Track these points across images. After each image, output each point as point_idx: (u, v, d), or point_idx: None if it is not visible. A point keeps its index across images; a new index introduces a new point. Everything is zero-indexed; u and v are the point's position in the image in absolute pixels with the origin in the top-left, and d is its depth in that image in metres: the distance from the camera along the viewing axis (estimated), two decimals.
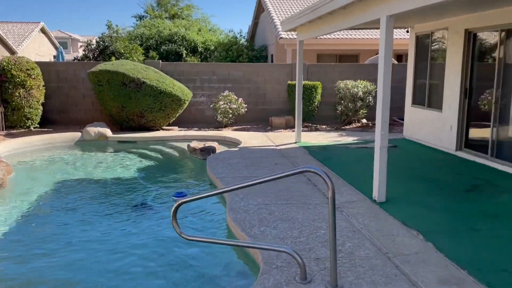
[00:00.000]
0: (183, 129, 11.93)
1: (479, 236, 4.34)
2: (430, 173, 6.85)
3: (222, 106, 11.81)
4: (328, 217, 4.81)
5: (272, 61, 19.42)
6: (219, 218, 5.43)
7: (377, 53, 17.45)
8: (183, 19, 32.53)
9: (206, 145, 9.01)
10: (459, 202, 5.37)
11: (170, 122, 11.88)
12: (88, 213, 5.67)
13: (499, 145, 7.06)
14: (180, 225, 3.74)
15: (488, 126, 7.28)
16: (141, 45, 20.95)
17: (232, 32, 28.09)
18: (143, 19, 32.51)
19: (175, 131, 11.43)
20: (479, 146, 7.56)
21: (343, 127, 12.16)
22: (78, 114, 12.53)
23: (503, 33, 6.88)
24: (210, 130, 11.79)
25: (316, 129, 11.91)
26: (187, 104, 11.70)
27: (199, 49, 22.30)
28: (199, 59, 22.34)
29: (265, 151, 8.71)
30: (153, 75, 11.28)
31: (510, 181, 6.27)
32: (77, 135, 10.73)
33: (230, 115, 11.99)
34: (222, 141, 10.57)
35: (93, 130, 10.60)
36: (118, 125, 11.64)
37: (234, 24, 77.88)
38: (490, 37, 7.32)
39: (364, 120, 12.77)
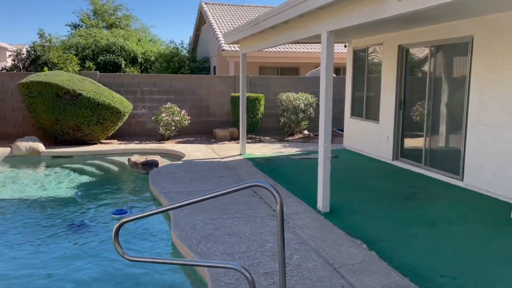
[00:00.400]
0: (123, 142, 11.50)
1: (418, 242, 4.53)
2: (370, 182, 7.10)
3: (165, 118, 11.55)
4: (275, 229, 4.81)
5: (214, 73, 19.39)
6: (164, 236, 5.23)
7: (316, 66, 18.03)
8: (121, 29, 31.62)
9: (148, 158, 8.73)
10: (398, 210, 5.60)
11: (109, 135, 11.40)
12: (17, 235, 5.22)
13: (431, 154, 7.49)
14: (122, 244, 3.53)
15: (422, 136, 7.72)
16: (76, 55, 20.04)
17: (174, 43, 27.75)
18: (79, 28, 31.18)
19: (115, 145, 10.98)
20: (414, 155, 7.98)
21: (286, 139, 12.35)
22: (7, 128, 11.66)
23: (433, 49, 7.36)
24: (152, 143, 11.46)
25: (260, 141, 11.99)
26: (127, 116, 11.30)
27: (139, 60, 21.76)
28: (139, 70, 21.79)
29: (210, 164, 8.60)
30: (90, 86, 10.80)
31: (443, 188, 6.66)
32: (6, 150, 9.95)
33: (173, 128, 11.75)
34: (165, 154, 10.31)
35: (24, 144, 9.89)
36: (52, 139, 10.97)
37: (175, 35, 76.98)
38: (421, 53, 7.80)
39: (306, 132, 13.06)
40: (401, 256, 4.17)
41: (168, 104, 11.87)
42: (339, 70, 19.25)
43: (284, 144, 11.45)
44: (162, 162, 9.01)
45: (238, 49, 16.20)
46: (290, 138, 12.48)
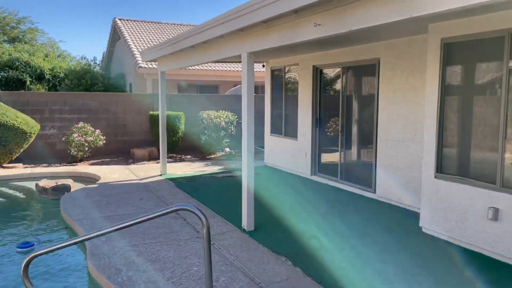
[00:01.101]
0: (30, 165, 10.57)
1: (339, 255, 4.72)
2: (291, 198, 7.29)
3: (77, 138, 10.86)
4: (200, 252, 4.70)
5: (131, 90, 18.76)
6: (80, 267, 4.85)
7: (236, 84, 18.30)
8: (25, 43, 29.40)
9: (59, 183, 8.10)
10: (319, 224, 5.80)
11: (13, 158, 10.42)
12: None
13: (346, 169, 7.92)
14: (32, 280, 3.20)
15: (337, 152, 8.14)
16: None
17: (85, 59, 26.37)
18: None
19: (20, 169, 10.05)
20: (331, 170, 8.37)
21: (208, 157, 12.27)
22: None
23: (344, 70, 7.85)
24: (63, 165, 10.69)
25: (181, 160, 11.77)
26: (33, 137, 10.44)
27: (47, 77, 20.34)
28: (46, 88, 20.35)
29: (128, 186, 8.22)
30: None
31: (358, 201, 7.05)
32: None
33: (86, 148, 11.08)
34: (78, 177, 9.67)
35: None
36: None
37: (87, 51, 73.01)
38: (334, 73, 8.28)
39: (227, 149, 13.11)
40: (324, 271, 4.31)
41: (81, 124, 11.19)
42: (257, 88, 19.73)
43: (206, 162, 11.36)
44: (75, 186, 8.42)
45: (156, 66, 15.88)
46: (212, 156, 12.43)
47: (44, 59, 21.94)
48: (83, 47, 67.49)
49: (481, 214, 4.68)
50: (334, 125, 8.24)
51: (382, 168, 6.98)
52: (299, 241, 5.14)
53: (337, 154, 8.12)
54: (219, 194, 7.57)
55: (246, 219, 5.47)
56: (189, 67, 17.03)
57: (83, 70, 20.32)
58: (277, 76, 10.05)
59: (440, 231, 5.19)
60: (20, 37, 33.21)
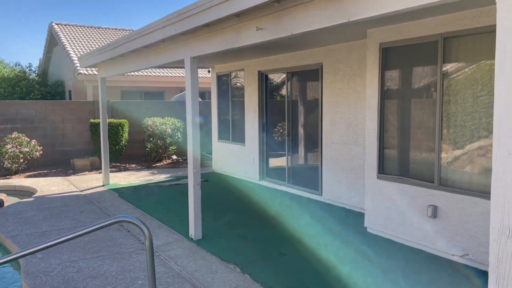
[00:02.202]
0: None
1: (287, 260, 4.71)
2: (239, 204, 7.23)
3: (10, 150, 10.14)
4: (145, 264, 4.50)
5: (70, 98, 17.89)
6: (13, 287, 4.48)
7: (181, 90, 18.01)
8: None
9: None
10: (266, 229, 5.78)
11: None
12: None
13: (293, 172, 8.00)
14: None
15: (284, 156, 8.20)
16: None
17: (20, 66, 24.84)
18: None
19: None
20: (278, 174, 8.42)
21: (153, 165, 11.93)
22: None
23: (289, 74, 7.95)
24: None
25: (126, 169, 11.35)
26: None
27: None
28: None
29: (67, 199, 7.78)
30: None
31: (306, 204, 7.13)
32: None
33: (22, 160, 10.38)
34: (12, 191, 9.03)
35: None
36: None
37: (22, 58, 68.85)
38: (279, 78, 8.35)
39: (174, 156, 12.83)
40: (273, 276, 4.27)
41: (14, 134, 10.48)
42: (204, 94, 19.55)
43: (153, 171, 11.03)
44: (8, 200, 7.84)
45: (96, 72, 15.26)
46: (158, 164, 12.10)
47: None
48: (18, 54, 63.70)
49: (421, 212, 4.87)
50: (281, 130, 8.30)
51: (328, 171, 7.11)
52: (247, 248, 5.08)
53: (285, 158, 8.19)
54: (165, 203, 7.35)
55: (194, 228, 5.33)
56: (132, 73, 16.54)
57: (18, 78, 19.14)
58: (223, 82, 9.99)
59: (384, 230, 5.35)
60: None
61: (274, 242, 5.27)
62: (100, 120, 8.98)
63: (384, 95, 5.29)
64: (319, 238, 5.38)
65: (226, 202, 7.35)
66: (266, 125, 8.70)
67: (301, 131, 7.77)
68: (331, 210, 6.72)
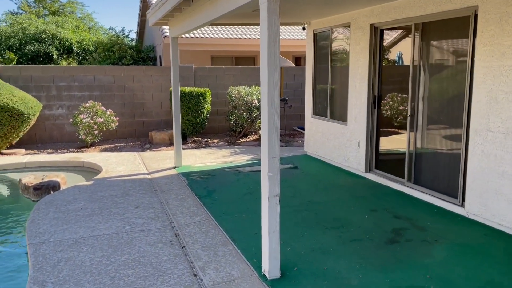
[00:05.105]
0: (32, 151, 9.14)
1: None
2: (339, 210, 5.22)
3: (84, 120, 9.26)
4: None
5: (161, 64, 17.06)
6: None
7: None
8: (65, 17, 28.42)
9: (45, 179, 6.50)
10: (383, 266, 3.72)
11: (13, 143, 9.03)
12: None
13: (417, 167, 5.71)
14: None
15: (403, 142, 5.92)
16: None
17: (113, 30, 24.83)
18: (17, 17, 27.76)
19: (18, 156, 8.61)
20: (393, 167, 6.18)
21: (238, 141, 10.35)
22: None
23: (417, 27, 5.53)
24: (70, 151, 9.18)
25: (207, 145, 9.93)
26: (33, 119, 8.96)
27: (75, 50, 19.07)
28: (77, 62, 19.11)
29: (129, 184, 6.48)
30: None
31: (439, 220, 4.86)
32: None
33: (96, 132, 9.48)
34: (80, 167, 8.09)
35: None
36: None
37: (121, 22, 70.62)
38: (400, 34, 5.95)
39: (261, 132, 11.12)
40: None
41: (90, 103, 9.57)
42: (299, 59, 17.41)
43: (235, 149, 9.44)
44: (67, 183, 6.81)
45: (184, 36, 13.97)
46: (243, 140, 10.49)
47: (73, 31, 20.69)
48: (117, 18, 65.58)
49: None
50: (399, 107, 6.00)
51: (478, 173, 4.73)
52: None
53: (405, 146, 5.91)
54: (240, 200, 5.64)
55: (268, 260, 3.50)
56: (222, 36, 14.98)
57: (111, 42, 18.84)
58: (321, 41, 7.81)
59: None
60: (60, 10, 32.46)
61: None
62: (172, 88, 7.48)
63: None
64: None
65: (319, 207, 5.39)
66: (379, 99, 6.43)
67: (431, 109, 5.40)
68: (485, 236, 4.39)
